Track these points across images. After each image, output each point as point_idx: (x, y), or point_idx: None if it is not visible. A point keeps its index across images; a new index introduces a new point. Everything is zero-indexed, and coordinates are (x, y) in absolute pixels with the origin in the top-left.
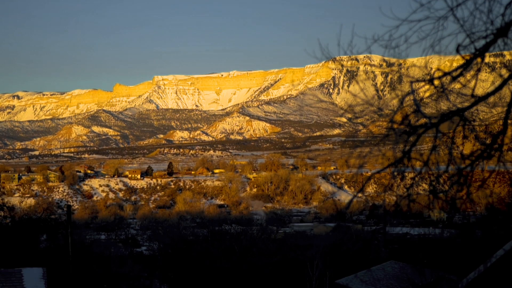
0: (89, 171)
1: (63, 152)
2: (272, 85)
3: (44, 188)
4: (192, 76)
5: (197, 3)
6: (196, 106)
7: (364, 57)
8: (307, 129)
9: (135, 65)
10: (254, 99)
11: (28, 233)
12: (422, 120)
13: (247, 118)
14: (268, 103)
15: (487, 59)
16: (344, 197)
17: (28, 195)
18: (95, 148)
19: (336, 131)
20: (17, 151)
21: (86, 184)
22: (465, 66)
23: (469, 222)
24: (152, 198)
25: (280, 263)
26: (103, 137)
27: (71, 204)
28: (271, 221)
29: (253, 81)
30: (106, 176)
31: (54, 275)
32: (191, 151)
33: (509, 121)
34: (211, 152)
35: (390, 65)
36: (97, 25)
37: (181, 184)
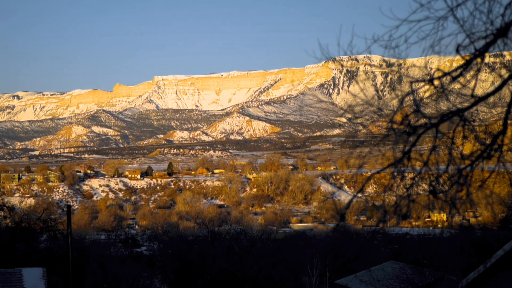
0: (89, 171)
1: (63, 152)
2: (272, 85)
3: (44, 188)
4: (192, 76)
5: (197, 4)
6: (196, 106)
7: (364, 57)
8: (307, 129)
9: (135, 65)
10: (254, 99)
11: (28, 233)
12: (422, 120)
13: (247, 118)
14: (268, 103)
15: (487, 60)
16: (344, 197)
17: (28, 195)
18: (95, 148)
19: (336, 131)
20: (17, 151)
21: (86, 184)
22: (465, 67)
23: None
24: (152, 198)
25: (280, 263)
26: (103, 137)
27: (71, 204)
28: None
29: (253, 81)
30: (106, 176)
31: (54, 275)
32: (191, 151)
33: (509, 121)
34: (211, 152)
35: (390, 65)
36: (97, 25)
37: (181, 184)
